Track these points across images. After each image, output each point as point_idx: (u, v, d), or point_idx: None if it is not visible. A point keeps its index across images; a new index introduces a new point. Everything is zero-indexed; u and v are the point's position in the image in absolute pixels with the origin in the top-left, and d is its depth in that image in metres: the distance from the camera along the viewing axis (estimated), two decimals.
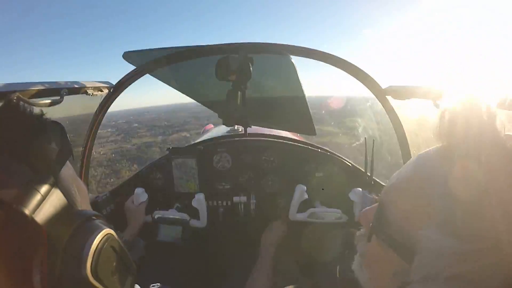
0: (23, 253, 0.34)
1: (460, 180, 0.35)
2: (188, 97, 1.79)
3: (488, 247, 0.33)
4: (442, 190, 0.37)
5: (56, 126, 0.44)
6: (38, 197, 0.33)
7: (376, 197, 0.48)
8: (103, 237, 0.38)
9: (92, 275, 0.35)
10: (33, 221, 0.33)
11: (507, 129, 0.37)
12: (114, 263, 0.40)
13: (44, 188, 0.34)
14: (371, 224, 0.49)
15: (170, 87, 1.70)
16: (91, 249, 0.36)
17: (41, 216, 0.33)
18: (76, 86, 1.18)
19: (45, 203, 0.34)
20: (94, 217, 0.41)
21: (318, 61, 1.44)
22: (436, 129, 0.43)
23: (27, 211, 0.32)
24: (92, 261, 0.35)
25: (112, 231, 0.41)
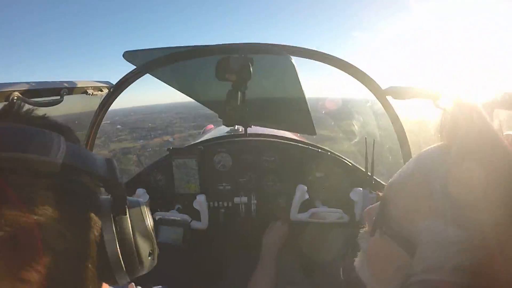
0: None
1: (461, 177, 0.36)
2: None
3: (490, 236, 0.34)
4: (443, 183, 0.38)
5: (71, 132, 0.44)
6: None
7: (380, 193, 0.50)
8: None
9: (151, 226, 0.47)
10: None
11: (506, 128, 0.38)
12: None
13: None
14: (374, 218, 0.50)
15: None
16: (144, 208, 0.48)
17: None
18: (76, 85, 1.18)
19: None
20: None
21: (318, 62, 1.44)
22: (438, 128, 0.44)
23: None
24: (148, 216, 0.47)
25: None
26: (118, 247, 0.41)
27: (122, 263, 0.42)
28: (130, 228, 0.43)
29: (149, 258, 0.46)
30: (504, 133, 0.39)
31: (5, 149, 0.30)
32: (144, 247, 0.45)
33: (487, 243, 0.33)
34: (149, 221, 0.47)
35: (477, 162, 0.35)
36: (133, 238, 0.43)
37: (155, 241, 0.47)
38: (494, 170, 0.34)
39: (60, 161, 0.32)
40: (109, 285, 0.43)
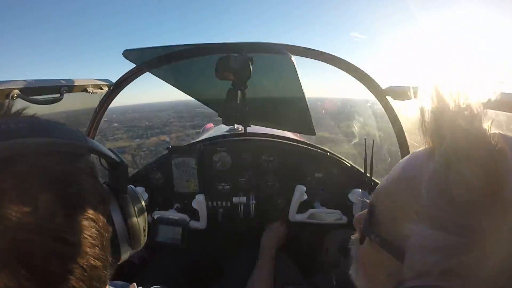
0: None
1: (445, 178, 0.35)
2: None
3: (477, 240, 0.33)
4: (428, 186, 0.37)
5: None
6: None
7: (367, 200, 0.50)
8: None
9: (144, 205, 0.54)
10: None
11: (503, 130, 0.37)
12: None
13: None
14: (361, 226, 0.49)
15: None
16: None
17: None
18: (76, 84, 1.18)
19: None
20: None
21: (319, 62, 1.44)
22: (421, 129, 0.42)
23: None
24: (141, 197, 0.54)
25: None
26: (124, 222, 0.47)
27: (128, 236, 0.48)
28: (132, 206, 0.50)
29: (144, 234, 0.52)
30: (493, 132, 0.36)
31: (46, 135, 0.34)
32: (141, 223, 0.51)
33: (476, 246, 0.32)
34: (143, 201, 0.53)
35: (462, 165, 0.34)
36: (135, 214, 0.50)
37: (147, 219, 0.53)
38: (478, 171, 0.33)
39: (89, 145, 0.38)
40: (112, 258, 0.44)
